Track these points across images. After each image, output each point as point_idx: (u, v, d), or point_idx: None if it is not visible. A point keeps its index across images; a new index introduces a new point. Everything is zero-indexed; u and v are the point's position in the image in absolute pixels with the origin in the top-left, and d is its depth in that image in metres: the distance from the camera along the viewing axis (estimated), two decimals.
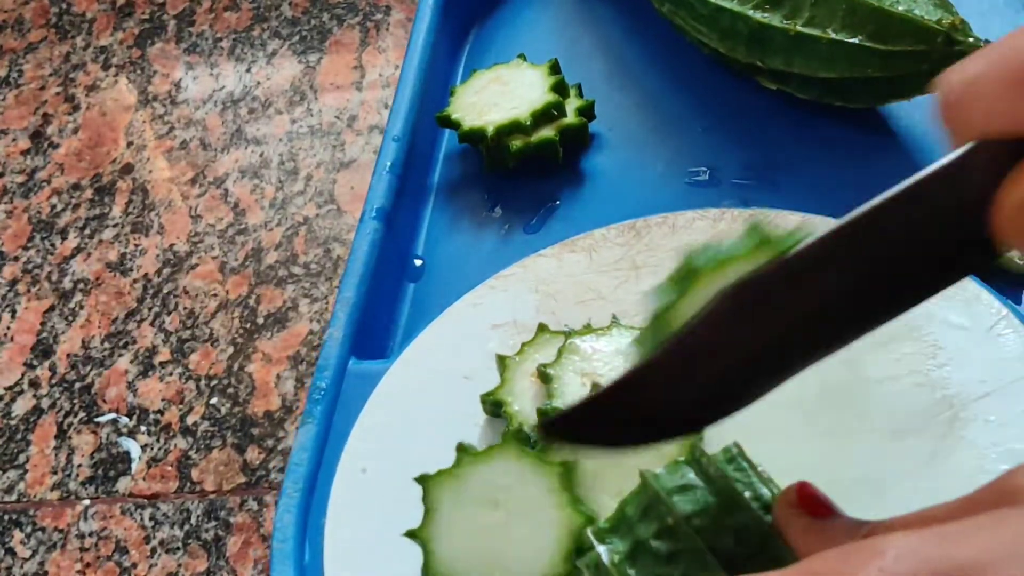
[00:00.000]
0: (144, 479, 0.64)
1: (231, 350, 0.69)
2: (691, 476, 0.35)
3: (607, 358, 0.47)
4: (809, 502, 0.32)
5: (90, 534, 0.62)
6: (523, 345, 0.48)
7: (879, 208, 0.28)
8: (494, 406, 0.46)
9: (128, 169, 0.81)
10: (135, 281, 0.74)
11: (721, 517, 0.33)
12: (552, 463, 0.41)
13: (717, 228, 0.51)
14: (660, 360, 0.30)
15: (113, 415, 0.67)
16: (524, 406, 0.46)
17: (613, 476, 0.42)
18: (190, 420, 0.66)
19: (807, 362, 0.31)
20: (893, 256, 0.29)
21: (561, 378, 0.46)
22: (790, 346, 0.31)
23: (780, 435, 0.43)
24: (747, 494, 0.34)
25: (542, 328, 0.49)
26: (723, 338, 0.30)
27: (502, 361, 0.48)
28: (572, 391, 0.45)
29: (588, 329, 0.48)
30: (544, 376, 0.46)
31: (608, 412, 0.31)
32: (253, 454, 0.63)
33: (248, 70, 0.86)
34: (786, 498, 0.32)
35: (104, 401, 0.68)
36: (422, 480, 0.42)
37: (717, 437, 0.44)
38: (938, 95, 0.27)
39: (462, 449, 0.43)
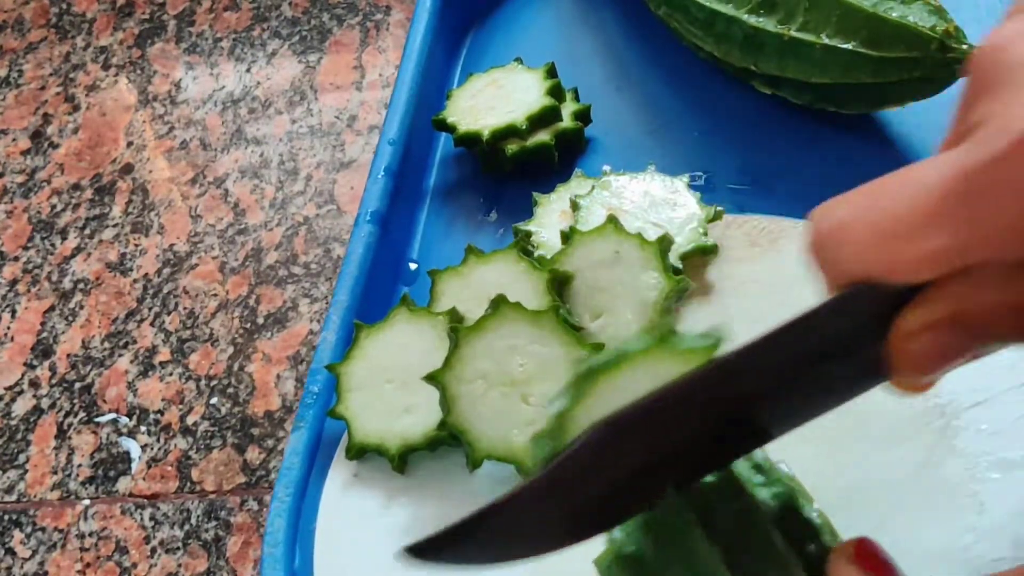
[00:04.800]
0: (144, 479, 0.64)
1: (231, 350, 0.69)
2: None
3: (634, 196, 0.52)
4: (866, 559, 0.31)
5: (90, 534, 0.62)
6: (557, 186, 0.55)
7: (760, 342, 0.28)
8: (524, 236, 0.52)
9: (128, 169, 0.81)
10: (135, 281, 0.74)
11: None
12: (543, 269, 0.46)
13: (714, 233, 0.52)
14: (529, 488, 0.30)
15: (113, 415, 0.68)
16: (550, 234, 0.52)
17: (599, 299, 0.47)
18: (190, 420, 0.66)
19: (685, 481, 0.32)
20: (775, 387, 0.30)
21: (589, 208, 0.52)
22: (660, 475, 0.31)
23: (772, 442, 0.43)
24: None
25: (578, 174, 0.55)
26: (591, 469, 0.30)
27: (535, 199, 0.54)
28: (595, 220, 0.50)
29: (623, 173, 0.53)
30: (575, 205, 0.52)
31: (479, 534, 0.31)
32: (253, 454, 0.63)
33: (248, 70, 0.86)
34: (843, 551, 0.32)
35: (104, 401, 0.68)
36: (432, 274, 0.49)
37: None
38: (806, 235, 0.28)
39: (470, 250, 0.48)
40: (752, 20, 0.54)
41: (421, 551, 0.31)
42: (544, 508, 0.31)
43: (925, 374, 0.28)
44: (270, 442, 0.64)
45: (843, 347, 0.29)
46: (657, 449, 0.30)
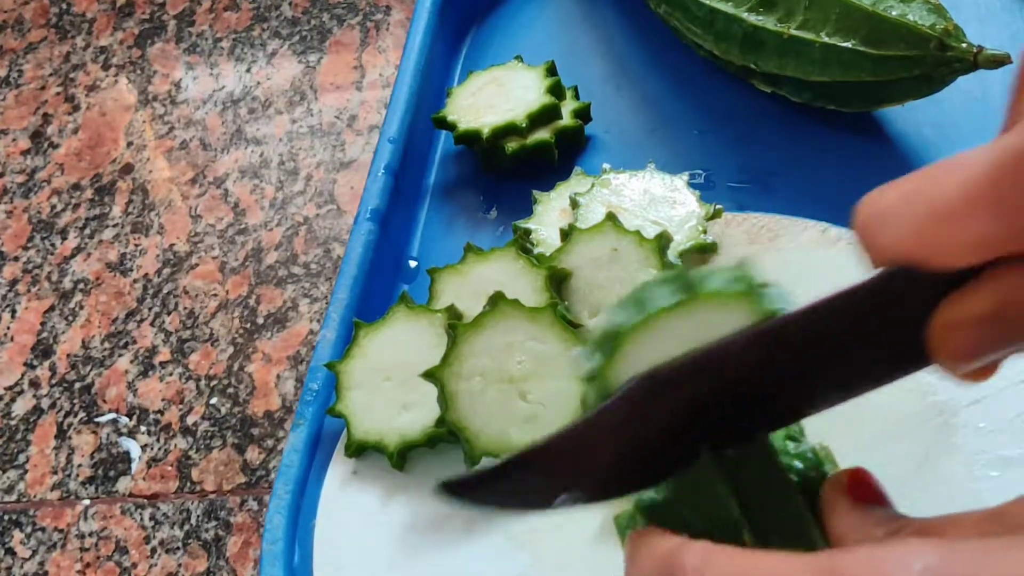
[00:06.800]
0: (144, 479, 0.64)
1: (231, 350, 0.69)
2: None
3: (633, 194, 0.52)
4: (858, 488, 0.31)
5: (90, 534, 0.62)
6: (557, 183, 0.55)
7: (800, 315, 0.29)
8: (523, 233, 0.52)
9: (128, 169, 0.81)
10: (135, 281, 0.74)
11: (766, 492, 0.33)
12: (542, 267, 0.47)
13: (713, 231, 0.51)
14: (568, 435, 0.30)
15: (113, 415, 0.68)
16: (550, 232, 0.52)
17: (597, 296, 0.47)
18: (190, 420, 0.66)
19: (719, 446, 0.31)
20: (811, 361, 0.29)
21: (588, 205, 0.52)
22: (695, 436, 0.31)
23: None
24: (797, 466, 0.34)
25: (577, 172, 0.55)
26: (630, 422, 0.30)
27: (535, 197, 0.54)
28: (595, 218, 0.50)
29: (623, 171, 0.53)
30: (574, 203, 0.52)
31: (514, 478, 0.31)
32: (253, 454, 0.63)
33: (248, 70, 0.86)
34: (836, 479, 0.32)
35: (104, 401, 0.68)
36: (432, 272, 0.49)
37: None
38: (854, 217, 0.28)
39: (468, 248, 0.49)
40: (752, 18, 0.54)
41: (454, 488, 0.31)
42: (580, 458, 0.31)
43: (965, 365, 0.27)
44: (270, 442, 0.64)
45: (882, 329, 0.28)
46: (693, 408, 0.30)
